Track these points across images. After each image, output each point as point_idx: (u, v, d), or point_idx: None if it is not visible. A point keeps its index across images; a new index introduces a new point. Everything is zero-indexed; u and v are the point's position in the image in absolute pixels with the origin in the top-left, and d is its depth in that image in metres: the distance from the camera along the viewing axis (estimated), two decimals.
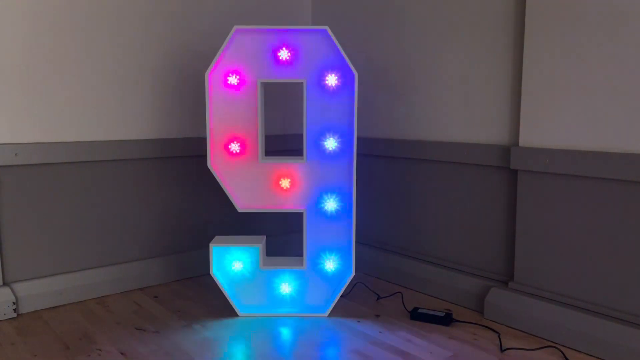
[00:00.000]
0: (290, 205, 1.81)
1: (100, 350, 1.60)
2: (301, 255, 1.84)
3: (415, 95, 2.11)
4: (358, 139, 1.80)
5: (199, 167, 2.15)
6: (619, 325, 1.53)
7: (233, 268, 1.83)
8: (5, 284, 1.86)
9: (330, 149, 1.78)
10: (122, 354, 1.57)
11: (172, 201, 2.22)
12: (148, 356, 1.56)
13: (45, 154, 1.90)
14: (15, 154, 1.83)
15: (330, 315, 1.85)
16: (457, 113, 1.97)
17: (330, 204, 1.80)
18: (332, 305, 1.85)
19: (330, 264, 1.83)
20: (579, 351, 1.59)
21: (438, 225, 2.08)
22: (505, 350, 1.60)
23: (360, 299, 2.01)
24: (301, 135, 1.80)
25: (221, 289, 1.84)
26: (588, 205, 1.60)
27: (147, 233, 2.17)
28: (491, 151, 1.86)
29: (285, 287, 1.84)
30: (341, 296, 1.87)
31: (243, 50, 1.75)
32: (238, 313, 1.85)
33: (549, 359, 1.55)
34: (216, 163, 1.79)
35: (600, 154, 1.55)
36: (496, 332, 1.71)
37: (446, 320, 1.79)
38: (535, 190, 1.72)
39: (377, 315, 1.87)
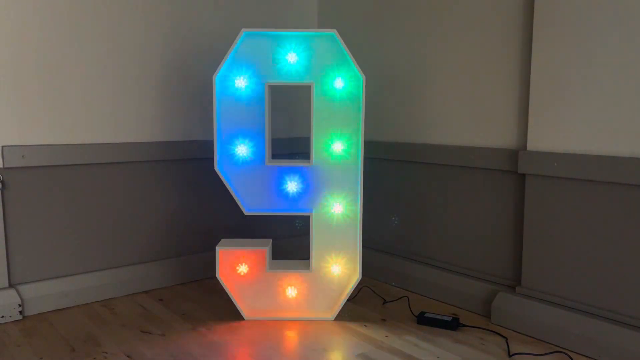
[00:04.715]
0: (296, 208, 1.81)
1: (106, 352, 1.59)
2: (307, 258, 1.84)
3: (422, 98, 2.11)
4: (365, 142, 1.80)
5: (205, 170, 2.14)
6: (627, 330, 1.52)
7: (239, 271, 1.82)
8: (11, 286, 1.86)
9: (337, 152, 1.78)
10: (127, 356, 1.57)
11: (179, 204, 2.22)
12: (153, 359, 1.56)
13: (52, 156, 1.90)
14: (23, 156, 1.84)
15: (336, 319, 1.85)
16: (465, 116, 1.97)
17: (337, 208, 1.80)
18: (338, 309, 1.84)
19: (336, 268, 1.82)
20: (587, 356, 1.58)
21: (445, 229, 2.07)
22: (513, 355, 1.58)
23: (367, 303, 2.00)
24: (308, 139, 1.80)
25: (227, 292, 1.83)
26: (596, 210, 1.59)
27: (153, 235, 2.17)
28: (499, 155, 1.85)
29: (291, 291, 1.84)
30: (347, 300, 1.86)
31: (251, 53, 1.75)
32: (244, 316, 1.85)
33: None
34: (223, 166, 1.79)
35: (609, 158, 1.54)
36: (503, 337, 1.70)
37: (453, 324, 1.78)
38: (543, 195, 1.71)
39: (384, 320, 1.86)
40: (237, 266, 1.82)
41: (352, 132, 1.77)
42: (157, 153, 2.12)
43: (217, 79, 1.75)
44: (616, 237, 1.56)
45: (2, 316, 1.80)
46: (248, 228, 2.22)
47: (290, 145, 2.37)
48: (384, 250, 2.31)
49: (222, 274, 1.82)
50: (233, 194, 1.79)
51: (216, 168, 1.78)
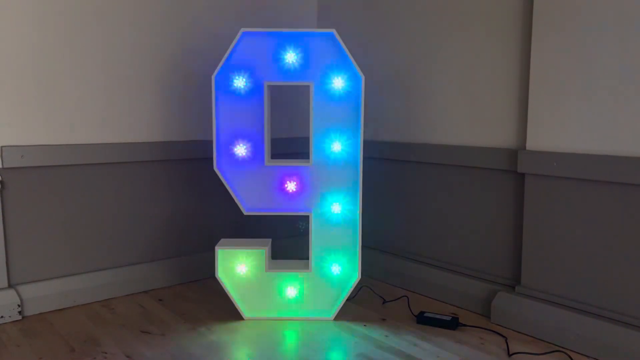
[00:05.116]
0: (296, 208, 1.81)
1: (105, 352, 1.59)
2: (307, 258, 1.84)
3: (421, 98, 2.11)
4: (364, 142, 1.80)
5: (204, 170, 2.15)
6: (627, 330, 1.52)
7: (238, 271, 1.82)
8: (10, 286, 1.86)
9: (337, 152, 1.78)
10: (127, 356, 1.57)
11: (178, 204, 2.21)
12: (153, 359, 1.56)
13: (51, 156, 1.90)
14: (22, 156, 1.84)
15: (336, 319, 1.85)
16: (464, 116, 1.97)
17: (336, 207, 1.80)
18: (338, 308, 1.84)
19: (336, 268, 1.82)
20: (587, 356, 1.58)
21: (444, 229, 2.07)
22: (512, 354, 1.58)
23: (366, 302, 2.00)
24: (307, 138, 1.80)
25: (226, 292, 1.83)
26: (596, 209, 1.59)
27: (152, 235, 2.17)
28: (498, 154, 1.85)
29: (291, 291, 1.84)
30: (347, 300, 1.86)
31: (250, 53, 1.75)
32: (243, 316, 1.85)
33: None
34: (222, 166, 1.79)
35: (608, 158, 1.54)
36: (503, 336, 1.70)
37: (453, 324, 1.78)
38: (542, 194, 1.71)
39: (383, 319, 1.86)
40: (237, 266, 1.82)
41: (351, 131, 1.77)
42: (157, 153, 2.12)
43: (216, 78, 1.75)
44: (616, 237, 1.56)
45: (2, 316, 1.80)
46: (248, 228, 2.23)
47: (290, 145, 2.37)
48: (384, 250, 2.31)
49: (222, 274, 1.83)
50: (232, 194, 1.79)
51: (215, 168, 1.78)
